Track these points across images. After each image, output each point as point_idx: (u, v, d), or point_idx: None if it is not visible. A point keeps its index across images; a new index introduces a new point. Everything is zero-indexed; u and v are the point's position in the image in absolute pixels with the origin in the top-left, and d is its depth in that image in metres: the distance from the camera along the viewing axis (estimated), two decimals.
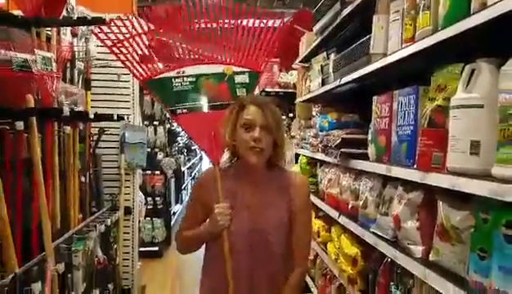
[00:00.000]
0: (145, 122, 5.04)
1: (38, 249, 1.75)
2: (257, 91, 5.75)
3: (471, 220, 1.02)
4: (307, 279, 2.84)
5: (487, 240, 0.93)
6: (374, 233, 1.56)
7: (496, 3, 0.90)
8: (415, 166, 1.22)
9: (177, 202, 6.72)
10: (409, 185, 1.34)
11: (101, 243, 2.49)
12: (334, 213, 2.12)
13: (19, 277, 1.44)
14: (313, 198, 2.65)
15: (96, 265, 2.33)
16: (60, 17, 2.15)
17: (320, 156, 2.39)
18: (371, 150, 1.63)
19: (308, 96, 2.94)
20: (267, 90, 5.61)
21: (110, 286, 2.54)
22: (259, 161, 1.33)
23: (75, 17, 2.44)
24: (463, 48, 1.12)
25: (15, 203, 1.68)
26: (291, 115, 5.38)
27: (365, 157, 1.70)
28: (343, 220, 1.96)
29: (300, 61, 3.37)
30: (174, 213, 6.24)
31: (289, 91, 5.23)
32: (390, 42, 1.46)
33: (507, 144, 0.86)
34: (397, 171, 1.35)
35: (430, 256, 1.20)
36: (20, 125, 1.68)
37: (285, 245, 1.37)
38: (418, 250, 1.26)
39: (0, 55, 1.67)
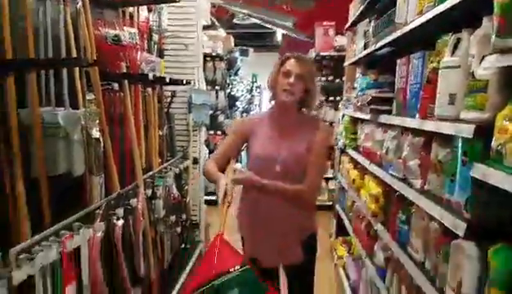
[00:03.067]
0: (208, 87, 5.55)
1: (129, 180, 2.32)
2: (312, 55, 5.99)
3: (450, 155, 1.34)
4: (346, 223, 3.23)
5: (455, 168, 1.25)
6: (391, 174, 1.90)
7: None
8: (417, 116, 1.54)
9: None
10: (416, 133, 1.65)
11: (176, 184, 3.06)
12: (366, 162, 2.45)
13: (122, 194, 2.00)
14: (352, 152, 2.99)
15: (172, 199, 2.91)
16: None
17: (358, 114, 2.70)
18: (394, 106, 1.94)
19: (354, 59, 3.20)
20: (321, 54, 5.84)
21: (183, 216, 3.13)
22: (289, 100, 1.74)
23: None
24: (458, 20, 1.39)
25: (113, 146, 2.23)
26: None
27: (389, 112, 2.01)
28: (372, 167, 2.30)
29: (349, 26, 3.59)
30: None
31: (344, 54, 5.42)
32: (409, 14, 1.73)
33: (470, 94, 1.16)
34: (407, 122, 1.66)
35: (425, 186, 1.53)
36: (115, 86, 2.22)
37: (301, 175, 1.74)
38: (418, 182, 1.59)
39: (98, 31, 2.19)
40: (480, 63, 1.06)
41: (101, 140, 1.80)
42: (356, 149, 2.95)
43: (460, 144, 1.23)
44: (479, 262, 1.14)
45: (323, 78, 5.93)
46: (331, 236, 4.08)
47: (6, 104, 1.40)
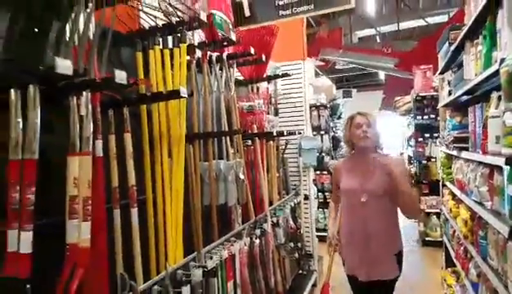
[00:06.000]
0: (314, 132, 6.26)
1: (259, 210, 3.07)
2: (413, 95, 6.35)
3: (503, 181, 1.78)
4: (451, 251, 3.49)
5: (504, 189, 1.70)
6: (473, 200, 2.31)
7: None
8: (480, 152, 2.00)
9: None
10: (486, 165, 2.08)
11: (291, 216, 3.75)
12: (458, 192, 2.83)
13: (257, 220, 2.76)
14: (449, 185, 3.34)
15: (289, 228, 3.59)
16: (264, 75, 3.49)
17: (449, 151, 3.10)
18: (470, 144, 2.38)
19: (444, 103, 3.61)
20: (421, 94, 6.16)
21: (299, 245, 3.78)
22: (367, 143, 2.20)
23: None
24: None
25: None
26: None
27: (468, 149, 2.44)
28: (462, 196, 2.69)
29: (439, 73, 4.00)
30: None
31: None
32: (471, 72, 2.22)
33: (505, 136, 1.64)
34: (476, 157, 2.11)
35: (493, 206, 1.95)
36: (249, 142, 3.06)
37: (384, 202, 2.16)
38: (488, 204, 2.01)
39: (238, 104, 3.08)
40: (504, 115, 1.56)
41: (245, 180, 2.60)
42: (452, 181, 3.29)
43: (505, 172, 1.69)
44: None
45: (425, 117, 6.19)
46: (442, 268, 4.27)
47: (192, 159, 2.27)
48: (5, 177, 1.24)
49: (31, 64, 1.33)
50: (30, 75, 1.25)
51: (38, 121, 1.28)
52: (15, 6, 1.36)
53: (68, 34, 1.47)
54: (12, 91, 1.26)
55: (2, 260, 1.24)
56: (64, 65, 1.21)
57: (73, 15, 1.49)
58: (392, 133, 15.52)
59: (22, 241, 1.25)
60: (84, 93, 1.44)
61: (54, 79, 1.26)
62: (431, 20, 10.50)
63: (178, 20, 2.04)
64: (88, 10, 1.55)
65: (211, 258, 2.13)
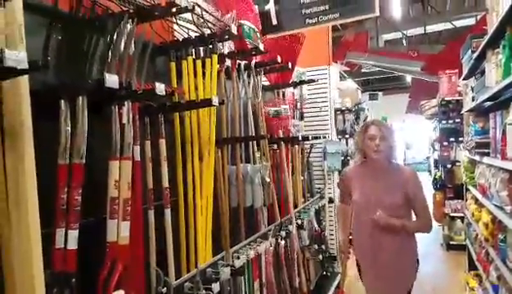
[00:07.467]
0: (339, 136, 6.30)
1: (283, 212, 3.18)
2: (439, 99, 6.31)
3: None
4: (473, 255, 3.50)
5: None
6: (494, 204, 2.35)
7: None
8: (499, 157, 2.05)
9: None
10: (505, 170, 2.13)
11: (315, 219, 3.84)
12: (479, 196, 2.86)
13: (281, 222, 2.87)
14: (472, 189, 3.36)
15: (314, 231, 3.69)
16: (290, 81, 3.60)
17: (471, 156, 3.12)
18: (491, 149, 2.42)
19: (467, 108, 3.62)
20: (446, 99, 6.12)
21: (323, 247, 3.86)
22: (379, 157, 2.16)
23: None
24: None
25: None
26: None
27: (489, 154, 2.48)
28: (483, 200, 2.72)
29: (463, 79, 4.00)
30: None
31: None
32: (493, 80, 2.27)
33: None
34: (496, 162, 2.16)
35: None
36: (274, 146, 3.19)
37: (396, 215, 2.11)
38: (508, 208, 2.05)
39: (264, 109, 3.21)
40: None
41: (271, 183, 2.73)
42: (474, 185, 3.31)
43: None
44: None
45: (450, 121, 6.15)
46: (465, 271, 4.26)
47: (221, 162, 2.41)
48: (47, 180, 1.28)
49: (80, 78, 1.48)
50: (82, 89, 1.40)
51: (86, 128, 1.41)
52: (67, 28, 1.53)
53: (112, 50, 1.63)
54: (62, 101, 1.39)
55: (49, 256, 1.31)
56: (112, 80, 1.36)
57: (116, 33, 1.66)
58: (419, 137, 15.31)
59: (69, 238, 1.34)
60: (126, 103, 1.59)
61: (103, 92, 1.41)
62: (458, 24, 10.34)
63: (210, 32, 2.18)
64: (130, 26, 1.71)
65: (238, 258, 2.26)
